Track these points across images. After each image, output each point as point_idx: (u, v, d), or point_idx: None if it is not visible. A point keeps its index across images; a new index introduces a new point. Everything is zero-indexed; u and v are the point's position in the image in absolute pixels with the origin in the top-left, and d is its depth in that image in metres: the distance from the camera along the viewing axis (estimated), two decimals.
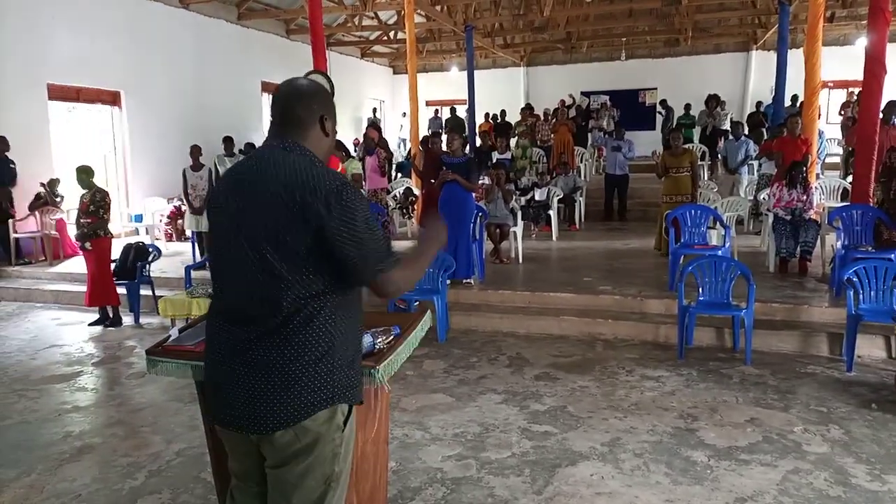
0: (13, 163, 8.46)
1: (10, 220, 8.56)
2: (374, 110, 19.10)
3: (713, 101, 13.68)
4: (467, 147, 8.70)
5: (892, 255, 5.44)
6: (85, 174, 6.24)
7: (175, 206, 10.43)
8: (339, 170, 7.63)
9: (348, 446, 1.81)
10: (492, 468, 3.46)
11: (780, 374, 4.73)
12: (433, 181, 7.27)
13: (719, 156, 11.87)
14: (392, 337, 2.07)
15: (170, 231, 10.55)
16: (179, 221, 10.34)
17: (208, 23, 12.62)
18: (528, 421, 4.04)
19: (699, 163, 12.09)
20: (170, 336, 2.26)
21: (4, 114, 8.61)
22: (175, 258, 8.66)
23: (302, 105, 1.80)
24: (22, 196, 8.68)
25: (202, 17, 12.45)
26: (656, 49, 18.92)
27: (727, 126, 13.59)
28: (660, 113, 16.35)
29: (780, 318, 5.52)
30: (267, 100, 14.96)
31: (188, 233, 8.92)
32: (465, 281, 6.55)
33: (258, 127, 13.94)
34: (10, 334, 6.44)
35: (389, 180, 10.85)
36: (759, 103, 15.87)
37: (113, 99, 10.60)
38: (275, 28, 14.95)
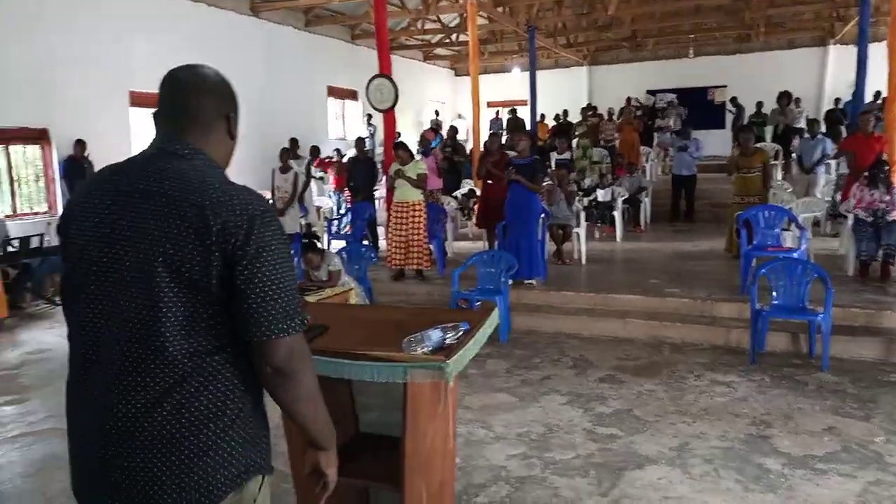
0: (91, 164, 8.88)
1: None
2: (437, 112, 19.24)
3: (785, 99, 13.14)
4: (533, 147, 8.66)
5: None
6: None
7: None
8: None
9: None
10: (556, 468, 3.44)
11: (860, 381, 4.52)
12: (490, 182, 7.29)
13: (793, 155, 11.41)
14: (461, 333, 2.10)
15: None
16: None
17: (277, 29, 13.03)
18: (593, 423, 4.00)
19: (772, 162, 11.70)
20: None
21: (89, 119, 9.13)
22: None
23: (204, 98, 1.41)
24: None
25: (271, 25, 12.86)
26: (726, 45, 18.32)
27: (802, 124, 13.03)
28: (730, 111, 15.84)
29: (861, 324, 5.27)
30: (333, 103, 15.33)
31: None
32: (526, 282, 6.53)
33: (324, 130, 14.28)
34: None
35: (459, 181, 10.92)
36: (837, 100, 15.14)
37: None
38: (340, 33, 15.29)
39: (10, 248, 7.69)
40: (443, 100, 21.14)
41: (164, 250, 1.25)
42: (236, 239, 1.25)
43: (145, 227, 1.28)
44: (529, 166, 6.40)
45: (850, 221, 6.61)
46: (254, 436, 1.36)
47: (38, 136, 8.87)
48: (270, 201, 8.72)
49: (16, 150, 8.89)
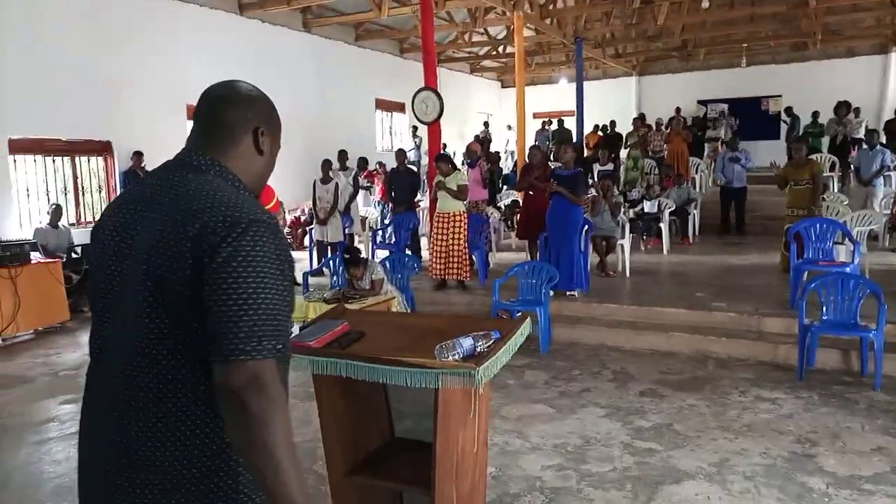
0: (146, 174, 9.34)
1: None
2: (486, 124, 19.30)
3: (843, 108, 12.72)
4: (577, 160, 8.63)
5: None
6: None
7: (295, 217, 11.09)
8: (271, 205, 7.41)
9: None
10: (592, 480, 3.44)
11: None
12: (531, 193, 7.30)
13: (851, 166, 11.03)
14: (492, 341, 2.14)
15: (290, 240, 11.24)
16: (299, 230, 10.98)
17: (328, 44, 13.38)
18: (632, 436, 3.97)
19: (827, 174, 11.34)
20: (291, 333, 2.46)
21: (148, 132, 9.55)
22: (295, 264, 9.21)
23: (231, 110, 1.36)
24: None
25: (322, 40, 13.22)
26: (781, 54, 17.87)
27: (861, 135, 12.59)
28: (784, 122, 15.41)
29: None
30: (381, 116, 15.61)
31: (306, 241, 9.46)
32: (568, 293, 6.52)
33: (372, 142, 14.54)
34: None
35: (496, 193, 10.97)
36: None
37: None
38: (389, 47, 15.58)
39: (73, 255, 8.10)
40: (489, 111, 21.23)
41: (148, 258, 1.20)
42: (209, 244, 1.15)
43: (142, 235, 1.24)
44: (573, 178, 6.41)
45: None
46: (235, 478, 1.23)
47: (102, 149, 9.35)
48: (312, 211, 8.97)
49: (81, 161, 9.38)
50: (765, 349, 5.34)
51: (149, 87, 9.63)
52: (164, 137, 9.70)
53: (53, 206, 8.21)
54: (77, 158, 9.29)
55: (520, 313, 5.88)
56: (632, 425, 4.13)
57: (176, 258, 1.17)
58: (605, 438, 3.95)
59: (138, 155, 9.21)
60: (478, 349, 2.11)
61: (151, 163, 9.27)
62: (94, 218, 9.50)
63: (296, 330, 2.51)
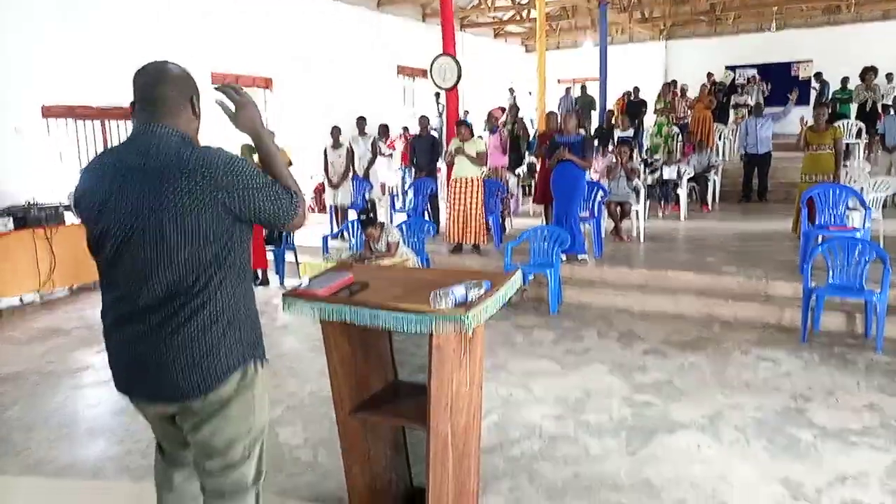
0: None
1: None
2: (511, 90, 19.11)
3: (871, 74, 12.43)
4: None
5: None
6: (249, 152, 7.01)
7: (320, 182, 11.29)
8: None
9: (262, 401, 1.92)
10: (589, 429, 3.63)
11: None
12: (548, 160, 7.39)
13: (878, 133, 10.84)
14: (483, 291, 2.31)
15: (312, 205, 11.46)
16: (322, 195, 11.20)
17: (349, 10, 13.38)
18: (632, 391, 4.15)
19: (853, 140, 11.17)
20: (302, 283, 2.66)
21: None
22: (316, 227, 9.44)
23: (172, 87, 1.82)
24: None
25: (344, 6, 13.22)
26: (813, 18, 17.36)
27: (890, 101, 12.32)
28: (813, 88, 15.10)
29: None
30: (403, 82, 15.63)
31: (328, 205, 9.68)
32: (580, 257, 6.64)
33: (394, 108, 14.61)
34: None
35: (520, 159, 11.02)
36: None
37: (266, 84, 11.66)
38: (411, 13, 15.51)
39: None
40: (514, 77, 21.05)
41: (166, 205, 1.70)
42: (223, 184, 1.73)
43: (148, 189, 1.72)
44: (577, 144, 6.48)
45: None
46: (248, 330, 1.88)
47: (130, 114, 9.60)
48: (325, 178, 9.17)
49: (110, 125, 9.63)
50: (771, 312, 5.44)
51: (173, 55, 9.81)
52: None
53: None
54: (107, 123, 9.56)
55: (532, 276, 6.05)
56: (633, 381, 4.30)
57: (193, 199, 1.70)
58: (606, 392, 4.13)
59: None
60: (469, 297, 2.28)
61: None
62: None
63: (305, 281, 2.71)
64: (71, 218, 7.18)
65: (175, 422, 1.91)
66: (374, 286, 2.52)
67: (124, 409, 4.13)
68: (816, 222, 6.19)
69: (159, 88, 1.81)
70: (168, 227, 1.70)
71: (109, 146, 9.48)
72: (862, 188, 6.93)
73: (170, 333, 1.75)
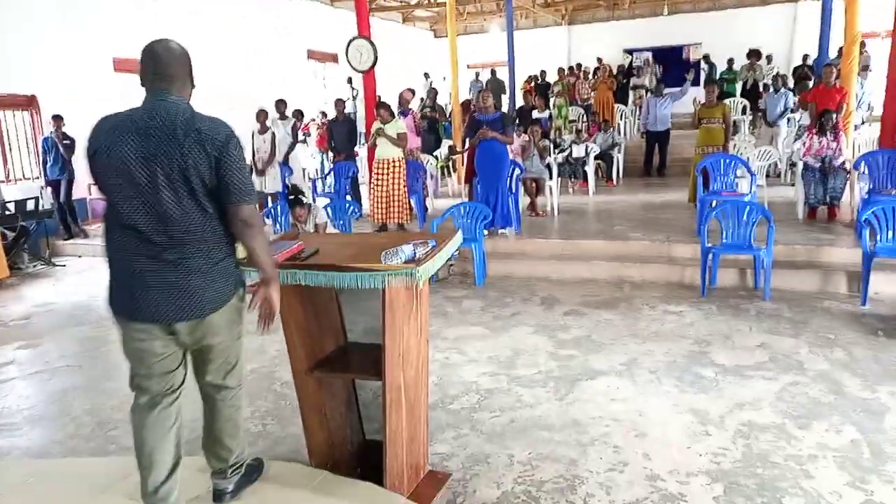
0: (72, 139, 8.95)
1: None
2: (426, 75, 19.20)
3: (754, 56, 13.58)
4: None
5: None
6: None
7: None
8: None
9: (243, 312, 2.46)
10: (520, 382, 3.95)
11: (795, 308, 5.06)
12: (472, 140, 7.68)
13: (760, 110, 11.86)
14: (430, 248, 2.54)
15: None
16: None
17: None
18: (556, 347, 4.51)
19: (738, 116, 12.15)
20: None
21: (71, 89, 9.32)
22: None
23: (180, 62, 2.25)
24: None
25: None
26: (701, 3, 18.60)
27: (770, 80, 13.47)
28: (703, 69, 16.22)
29: (802, 259, 5.80)
30: (313, 66, 15.49)
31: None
32: (500, 231, 6.99)
33: (306, 93, 14.48)
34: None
35: (439, 141, 11.24)
36: (805, 56, 15.52)
37: None
38: None
39: (6, 212, 8.01)
40: (424, 62, 21.23)
41: (183, 162, 2.13)
42: (225, 149, 2.18)
43: (168, 148, 2.13)
44: (498, 120, 6.80)
45: (799, 168, 7.10)
46: (234, 263, 2.38)
47: (27, 103, 9.09)
48: (251, 163, 9.06)
49: (6, 115, 9.10)
50: (673, 271, 5.98)
51: (74, 40, 9.37)
52: (87, 93, 9.51)
53: None
54: (1, 112, 9.02)
55: (458, 253, 6.33)
56: (556, 339, 4.67)
57: (205, 158, 2.16)
58: (533, 349, 4.48)
59: (57, 119, 8.58)
60: (417, 254, 2.50)
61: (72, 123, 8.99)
62: (23, 175, 9.32)
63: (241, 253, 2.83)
64: None
65: (176, 343, 2.33)
66: (324, 251, 2.68)
67: (60, 398, 4.08)
68: (710, 189, 6.81)
69: (172, 68, 2.22)
70: (187, 175, 2.13)
71: (6, 139, 9.01)
72: (748, 158, 7.65)
73: (191, 266, 2.21)
